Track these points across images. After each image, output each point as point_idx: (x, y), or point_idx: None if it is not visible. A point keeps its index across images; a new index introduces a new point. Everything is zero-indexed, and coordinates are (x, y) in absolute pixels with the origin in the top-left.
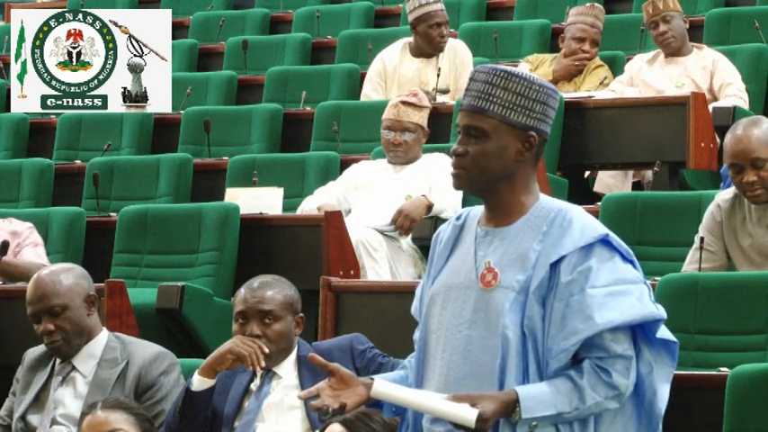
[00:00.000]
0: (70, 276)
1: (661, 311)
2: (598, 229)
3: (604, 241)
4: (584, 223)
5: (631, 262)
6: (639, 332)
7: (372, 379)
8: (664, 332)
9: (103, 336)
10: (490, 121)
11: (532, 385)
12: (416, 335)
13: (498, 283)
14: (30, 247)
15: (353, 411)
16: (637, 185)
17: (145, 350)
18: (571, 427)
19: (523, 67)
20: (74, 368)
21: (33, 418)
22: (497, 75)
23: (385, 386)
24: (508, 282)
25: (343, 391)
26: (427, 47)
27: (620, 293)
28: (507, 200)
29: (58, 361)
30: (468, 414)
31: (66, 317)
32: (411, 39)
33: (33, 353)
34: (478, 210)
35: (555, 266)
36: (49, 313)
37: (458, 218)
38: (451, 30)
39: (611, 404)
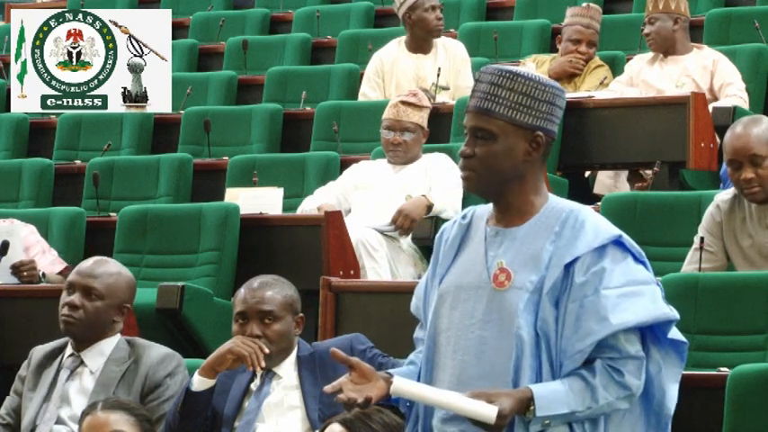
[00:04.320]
0: (122, 280)
1: (674, 312)
2: (611, 230)
3: (617, 242)
4: (596, 224)
5: (643, 263)
6: (648, 333)
7: (389, 374)
8: (674, 332)
9: (115, 338)
10: (497, 122)
11: (546, 384)
12: (418, 333)
13: (512, 284)
14: (39, 255)
15: (353, 411)
16: None
17: (153, 351)
18: (582, 427)
19: (530, 67)
20: (82, 362)
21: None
22: (503, 75)
23: (405, 384)
24: (521, 282)
25: (365, 385)
26: (425, 33)
27: (634, 294)
28: (517, 200)
29: (66, 355)
30: (489, 411)
31: (94, 303)
32: (405, 36)
33: (41, 351)
34: (485, 209)
35: (569, 267)
36: (84, 290)
37: (463, 217)
38: (451, 30)
39: (621, 404)
